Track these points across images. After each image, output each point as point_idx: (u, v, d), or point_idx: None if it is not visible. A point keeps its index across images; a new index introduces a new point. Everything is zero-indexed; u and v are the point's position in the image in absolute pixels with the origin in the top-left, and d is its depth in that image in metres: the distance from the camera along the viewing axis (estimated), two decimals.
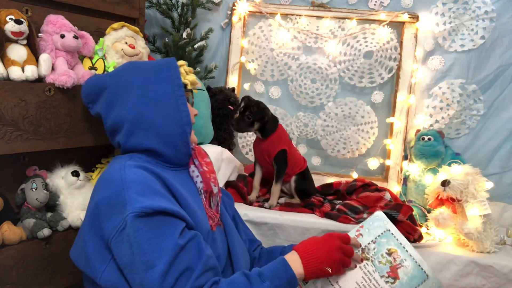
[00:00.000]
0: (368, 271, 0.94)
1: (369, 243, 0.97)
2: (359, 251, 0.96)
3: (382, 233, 0.97)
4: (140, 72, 1.01)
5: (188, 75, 1.22)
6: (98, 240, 0.87)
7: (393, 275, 0.93)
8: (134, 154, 0.97)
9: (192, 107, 1.08)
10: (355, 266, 0.94)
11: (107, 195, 0.86)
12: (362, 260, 0.95)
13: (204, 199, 1.02)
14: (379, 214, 1.00)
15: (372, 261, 0.95)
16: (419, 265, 0.93)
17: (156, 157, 0.98)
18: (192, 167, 1.04)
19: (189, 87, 1.12)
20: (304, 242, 0.94)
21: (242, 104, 1.66)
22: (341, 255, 0.90)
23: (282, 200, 1.74)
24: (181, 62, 1.14)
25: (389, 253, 0.95)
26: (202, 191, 1.02)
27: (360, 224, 1.00)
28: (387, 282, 0.92)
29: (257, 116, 1.64)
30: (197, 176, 1.03)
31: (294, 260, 0.89)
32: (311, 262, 0.88)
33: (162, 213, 0.83)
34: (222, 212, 1.10)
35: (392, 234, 0.97)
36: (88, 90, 1.08)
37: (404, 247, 0.95)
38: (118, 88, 1.01)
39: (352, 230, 1.00)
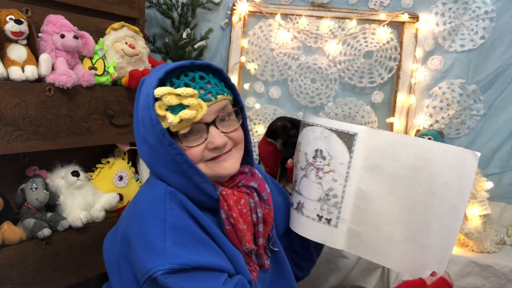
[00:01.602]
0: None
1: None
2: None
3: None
4: (138, 107, 0.83)
5: (172, 114, 0.79)
6: (131, 272, 0.81)
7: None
8: None
9: (212, 137, 0.83)
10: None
11: (143, 231, 0.78)
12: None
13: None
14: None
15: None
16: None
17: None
18: (221, 212, 0.87)
19: (173, 128, 0.80)
20: None
21: (292, 133, 1.60)
22: None
23: None
24: (161, 91, 0.77)
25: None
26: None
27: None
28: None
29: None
30: (223, 224, 0.87)
31: None
32: None
33: (202, 268, 0.76)
34: (278, 248, 0.98)
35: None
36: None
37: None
38: (134, 121, 0.88)
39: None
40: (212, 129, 0.83)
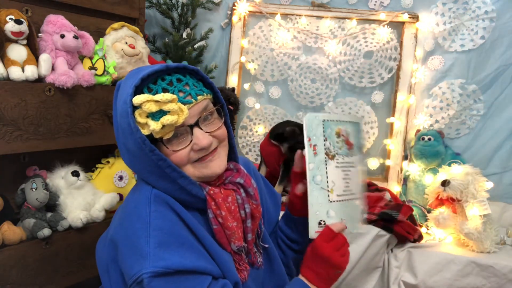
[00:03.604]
0: (341, 162, 0.94)
1: (325, 144, 0.93)
2: (327, 156, 0.94)
3: (323, 128, 0.93)
4: (116, 112, 0.83)
5: (154, 120, 0.78)
6: (119, 274, 0.82)
7: (349, 146, 0.94)
8: None
9: (197, 138, 0.82)
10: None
11: (128, 235, 0.79)
12: (333, 158, 0.93)
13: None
14: (307, 117, 0.95)
15: (337, 153, 0.93)
16: (350, 121, 0.94)
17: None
18: (209, 211, 0.86)
19: (156, 135, 0.79)
20: (307, 267, 0.90)
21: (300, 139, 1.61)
22: (336, 256, 0.88)
23: (284, 198, 1.75)
24: (140, 99, 0.76)
25: (338, 135, 0.94)
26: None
27: (307, 138, 0.94)
28: (351, 155, 0.94)
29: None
30: (211, 223, 0.87)
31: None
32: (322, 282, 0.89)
33: (185, 272, 0.75)
34: (268, 244, 0.99)
35: (328, 120, 0.94)
36: None
37: (339, 120, 0.94)
38: (114, 127, 0.87)
39: (306, 153, 0.93)
40: (196, 130, 0.82)
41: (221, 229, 0.86)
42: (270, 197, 1.11)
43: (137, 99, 0.76)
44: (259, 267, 0.95)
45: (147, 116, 0.78)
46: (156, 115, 0.78)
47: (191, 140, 0.82)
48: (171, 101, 0.77)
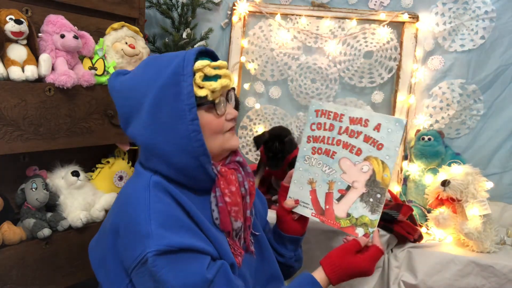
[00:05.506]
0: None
1: None
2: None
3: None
4: (154, 85, 0.84)
5: (213, 81, 0.87)
6: (118, 262, 0.84)
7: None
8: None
9: (230, 109, 0.93)
10: None
11: (129, 219, 0.82)
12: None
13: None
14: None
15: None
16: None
17: (176, 182, 0.88)
18: (212, 196, 0.91)
19: (211, 96, 0.87)
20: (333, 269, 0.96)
21: (270, 147, 1.62)
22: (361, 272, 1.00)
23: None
24: (201, 63, 0.85)
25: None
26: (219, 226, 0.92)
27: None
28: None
29: (288, 152, 1.62)
30: (213, 211, 0.91)
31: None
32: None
33: (187, 250, 0.79)
34: (259, 233, 1.04)
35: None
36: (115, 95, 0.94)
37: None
38: (133, 102, 0.88)
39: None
40: (227, 102, 0.93)
41: (225, 208, 0.90)
42: (261, 204, 1.17)
43: (199, 64, 0.85)
44: (251, 255, 0.99)
45: (202, 80, 0.86)
46: (210, 80, 0.87)
47: (225, 110, 0.92)
48: (224, 67, 0.89)
